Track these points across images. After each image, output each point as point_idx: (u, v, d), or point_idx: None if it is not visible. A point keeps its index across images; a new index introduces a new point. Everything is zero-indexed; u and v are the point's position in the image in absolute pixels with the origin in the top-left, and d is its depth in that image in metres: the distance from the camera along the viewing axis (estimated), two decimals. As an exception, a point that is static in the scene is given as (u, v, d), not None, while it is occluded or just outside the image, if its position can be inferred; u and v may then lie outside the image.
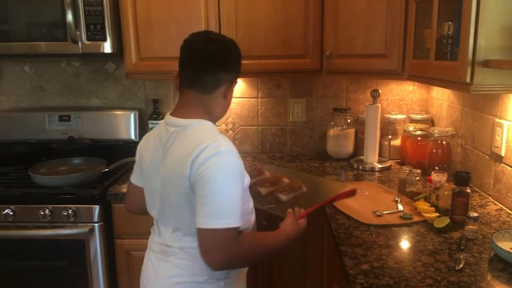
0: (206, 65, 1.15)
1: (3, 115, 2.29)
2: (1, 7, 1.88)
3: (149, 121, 2.27)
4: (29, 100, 2.37)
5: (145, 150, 1.26)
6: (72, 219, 1.73)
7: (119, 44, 1.95)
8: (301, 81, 2.30)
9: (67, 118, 2.26)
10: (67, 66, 2.32)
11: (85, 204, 1.75)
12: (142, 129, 2.31)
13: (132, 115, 2.26)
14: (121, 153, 2.18)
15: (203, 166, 1.04)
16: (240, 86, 2.32)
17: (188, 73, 1.17)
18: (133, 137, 2.26)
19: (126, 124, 2.26)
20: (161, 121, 1.29)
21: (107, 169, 1.89)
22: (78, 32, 1.85)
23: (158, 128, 1.24)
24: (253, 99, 2.34)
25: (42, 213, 1.72)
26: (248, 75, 2.04)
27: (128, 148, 2.22)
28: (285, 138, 2.38)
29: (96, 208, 1.75)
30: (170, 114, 1.19)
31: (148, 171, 1.24)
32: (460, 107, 1.86)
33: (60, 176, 1.76)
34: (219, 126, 2.36)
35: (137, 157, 1.31)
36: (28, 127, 2.27)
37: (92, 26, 1.85)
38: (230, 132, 2.38)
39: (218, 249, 1.04)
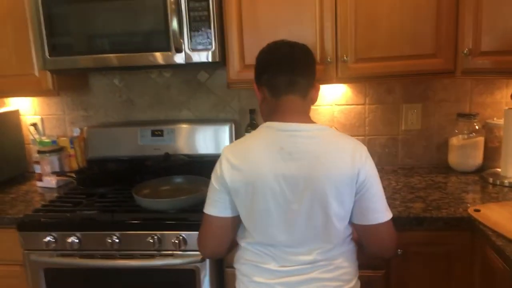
0: (300, 69, 1.16)
1: (93, 131, 2.18)
2: (95, 19, 1.74)
3: (246, 134, 2.08)
4: (118, 115, 2.25)
5: (253, 165, 1.09)
6: (183, 247, 1.56)
7: (223, 51, 1.76)
8: (416, 84, 2.03)
9: (159, 132, 2.11)
10: (158, 77, 2.18)
11: (196, 230, 1.56)
12: (239, 143, 2.12)
13: (227, 128, 2.08)
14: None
15: (365, 167, 1.10)
16: (345, 92, 2.08)
17: (283, 79, 1.14)
18: (229, 151, 2.07)
19: (222, 138, 2.08)
20: (257, 131, 1.17)
21: (214, 190, 1.70)
22: (181, 41, 1.68)
23: (262, 138, 1.14)
24: (359, 106, 2.09)
25: (150, 240, 1.55)
26: (367, 80, 1.79)
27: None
28: (396, 148, 2.11)
29: (208, 235, 1.56)
30: (277, 121, 1.14)
31: (268, 187, 1.08)
32: None
33: (169, 200, 1.59)
34: (320, 137, 2.13)
35: (228, 180, 1.11)
36: (119, 143, 2.14)
37: (197, 33, 1.67)
38: (333, 143, 2.14)
39: (393, 236, 1.18)
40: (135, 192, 1.67)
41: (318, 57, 1.72)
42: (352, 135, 2.08)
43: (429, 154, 2.09)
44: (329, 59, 1.71)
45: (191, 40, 1.69)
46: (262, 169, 1.09)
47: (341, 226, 1.13)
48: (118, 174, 2.00)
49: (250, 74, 1.77)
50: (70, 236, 1.60)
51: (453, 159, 1.99)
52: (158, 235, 1.57)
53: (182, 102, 2.20)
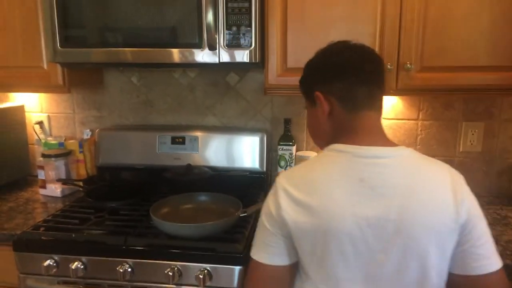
0: (379, 79, 0.94)
1: (105, 134, 1.93)
2: (114, 8, 1.49)
3: (279, 147, 1.82)
4: (135, 117, 2.00)
5: (325, 202, 0.84)
6: (208, 283, 1.30)
7: (262, 51, 1.51)
8: (479, 100, 1.76)
9: (181, 140, 1.85)
10: (182, 77, 1.93)
11: (225, 264, 1.30)
12: (270, 157, 1.86)
13: (258, 139, 1.82)
14: (247, 187, 1.75)
15: (467, 203, 0.87)
16: (396, 105, 1.81)
17: (363, 91, 0.92)
18: (258, 166, 1.81)
19: (252, 150, 1.82)
20: (325, 156, 0.93)
21: (246, 213, 1.45)
22: (216, 36, 1.42)
23: (334, 165, 0.89)
24: (411, 122, 1.82)
25: (169, 273, 1.29)
26: (431, 93, 1.52)
27: (255, 181, 1.80)
28: (450, 172, 1.84)
29: (236, 270, 1.30)
30: (353, 144, 0.89)
31: (346, 232, 0.83)
32: None
33: (195, 225, 1.32)
34: (362, 154, 1.87)
35: (290, 220, 0.86)
36: (135, 149, 1.89)
37: (234, 29, 1.42)
38: (377, 162, 1.87)
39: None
40: (153, 212, 1.41)
41: (375, 63, 1.46)
42: (400, 154, 1.84)
43: (488, 181, 1.82)
44: (389, 66, 1.44)
45: (227, 36, 1.43)
46: (337, 207, 0.84)
47: (439, 282, 0.89)
48: (132, 186, 1.75)
49: (292, 80, 1.53)
50: (74, 260, 1.35)
51: (520, 188, 1.71)
52: (178, 266, 1.31)
53: (208, 107, 1.94)
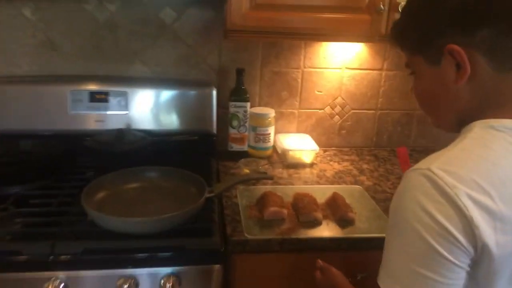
0: None
1: (-12, 89, 1.38)
2: None
3: (231, 103, 1.50)
4: (30, 64, 1.47)
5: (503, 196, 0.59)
6: (177, 292, 0.99)
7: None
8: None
9: (103, 96, 1.41)
10: (97, 11, 1.44)
11: (199, 264, 1.00)
12: (219, 116, 1.53)
13: (204, 93, 1.47)
14: (194, 154, 1.42)
15: None
16: (360, 53, 1.60)
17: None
18: (207, 127, 1.48)
19: (197, 107, 1.47)
20: (493, 137, 0.65)
21: (213, 194, 1.13)
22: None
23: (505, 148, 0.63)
24: (375, 72, 1.64)
25: (124, 285, 0.95)
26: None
27: (203, 146, 1.47)
28: (410, 126, 1.73)
29: (215, 269, 1.01)
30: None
31: None
32: None
33: (156, 219, 0.96)
34: (321, 109, 1.66)
35: (493, 242, 0.58)
36: (36, 109, 1.39)
37: None
38: (337, 117, 1.67)
39: None
40: (87, 200, 1.01)
41: (364, 2, 1.20)
42: (360, 109, 1.66)
43: (444, 134, 1.75)
44: (381, 6, 1.20)
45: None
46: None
47: None
48: (41, 161, 1.29)
49: (263, 20, 1.21)
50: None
51: (478, 142, 1.68)
52: (134, 275, 0.97)
53: (135, 52, 1.50)
